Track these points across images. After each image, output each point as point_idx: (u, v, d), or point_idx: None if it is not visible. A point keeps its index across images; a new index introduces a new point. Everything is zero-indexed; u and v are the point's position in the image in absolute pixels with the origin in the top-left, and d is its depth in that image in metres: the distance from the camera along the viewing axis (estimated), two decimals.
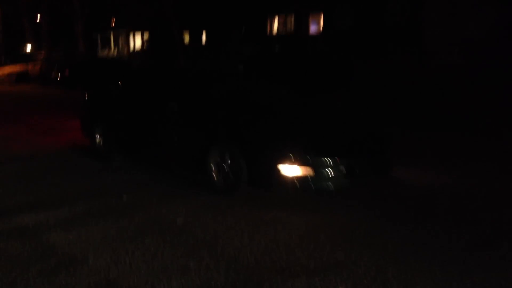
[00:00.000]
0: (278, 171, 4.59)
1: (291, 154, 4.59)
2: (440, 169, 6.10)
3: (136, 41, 38.03)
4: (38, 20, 32.50)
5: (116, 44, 41.00)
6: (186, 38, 32.33)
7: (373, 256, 3.58)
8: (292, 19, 29.14)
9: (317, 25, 27.70)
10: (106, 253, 3.68)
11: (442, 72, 16.43)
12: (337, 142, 5.03)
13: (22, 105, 14.93)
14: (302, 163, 4.59)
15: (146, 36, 36.55)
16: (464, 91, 12.55)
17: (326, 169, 4.64)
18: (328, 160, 4.66)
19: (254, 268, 3.42)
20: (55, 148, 7.79)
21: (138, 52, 37.30)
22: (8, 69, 22.87)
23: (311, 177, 4.60)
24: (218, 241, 3.90)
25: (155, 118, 5.91)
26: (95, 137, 6.91)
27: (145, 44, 36.65)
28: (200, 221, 4.35)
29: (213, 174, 5.09)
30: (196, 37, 34.18)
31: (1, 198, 5.14)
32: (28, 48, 44.91)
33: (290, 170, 4.57)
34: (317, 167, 4.61)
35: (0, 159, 7.02)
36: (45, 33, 31.76)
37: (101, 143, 6.84)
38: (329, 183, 4.65)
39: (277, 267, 3.42)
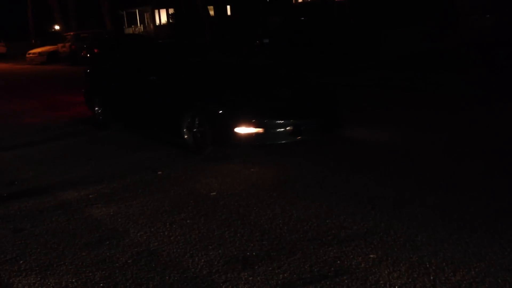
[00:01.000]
0: (235, 132, 5.45)
1: (245, 118, 5.44)
2: None
3: (162, 17, 38.12)
4: (64, 1, 32.81)
5: (141, 20, 41.18)
6: (211, 12, 32.14)
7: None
8: None
9: None
10: (146, 226, 3.86)
11: (475, 36, 15.98)
12: (286, 106, 5.85)
13: (52, 83, 15.30)
14: (254, 125, 5.44)
15: (171, 12, 36.55)
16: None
17: (274, 129, 5.52)
18: (276, 122, 5.52)
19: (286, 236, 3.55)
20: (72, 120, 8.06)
21: (163, 27, 37.39)
22: (39, 49, 23.35)
23: (262, 136, 5.48)
24: (251, 212, 4.03)
25: (141, 89, 6.75)
26: (95, 109, 7.83)
27: (170, 19, 36.70)
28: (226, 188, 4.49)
29: (186, 136, 5.97)
30: (221, 11, 34.00)
31: (42, 176, 5.39)
32: (56, 28, 45.59)
33: (246, 131, 5.45)
34: (267, 128, 5.48)
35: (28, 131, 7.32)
36: (73, 13, 32.08)
37: (100, 113, 7.75)
38: (277, 140, 5.60)
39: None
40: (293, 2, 30.29)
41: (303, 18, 26.27)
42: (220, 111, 5.57)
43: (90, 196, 4.64)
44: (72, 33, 24.21)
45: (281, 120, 5.54)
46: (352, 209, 4.00)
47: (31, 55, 23.24)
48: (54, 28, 47.60)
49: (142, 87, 6.72)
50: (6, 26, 43.77)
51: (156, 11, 38.23)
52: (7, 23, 45.07)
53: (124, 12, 40.71)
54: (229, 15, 35.53)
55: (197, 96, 5.89)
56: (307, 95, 6.38)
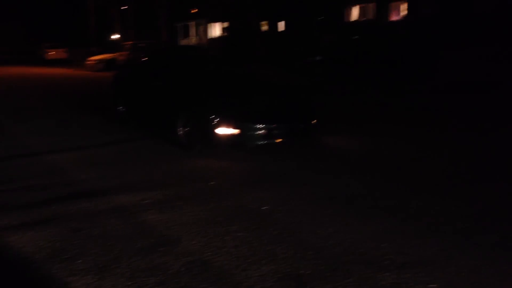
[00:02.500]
0: (216, 133, 6.31)
1: (224, 120, 6.31)
2: None
3: (215, 31, 38.81)
4: (124, 11, 34.06)
5: (196, 33, 42.09)
6: (265, 28, 32.47)
7: None
8: (373, 7, 28.40)
9: (399, 13, 26.82)
10: (198, 236, 3.88)
11: None
12: (263, 111, 6.62)
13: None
14: (232, 127, 6.29)
15: (224, 26, 37.15)
16: None
17: (250, 132, 6.32)
18: (251, 125, 6.32)
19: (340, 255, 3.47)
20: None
21: (216, 40, 38.04)
22: (98, 57, 24.25)
23: (238, 136, 6.29)
24: (303, 229, 3.98)
25: (149, 92, 7.95)
26: (118, 108, 9.04)
27: (223, 33, 37.30)
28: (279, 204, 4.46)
29: (180, 133, 6.90)
30: (274, 27, 34.25)
31: (98, 179, 5.53)
32: (114, 37, 47.30)
33: (224, 131, 6.30)
34: (243, 130, 6.29)
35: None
36: (132, 24, 33.23)
37: (122, 112, 8.95)
38: (252, 142, 6.37)
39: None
40: (345, 21, 30.15)
41: (355, 37, 26.07)
42: (205, 114, 6.46)
43: (145, 201, 4.72)
44: (130, 43, 25.03)
45: (256, 124, 6.35)
46: (410, 233, 3.88)
47: (90, 62, 24.17)
48: (112, 37, 49.46)
49: (150, 90, 7.92)
50: (67, 33, 45.79)
51: (211, 25, 38.97)
52: (69, 30, 47.18)
53: (179, 24, 41.77)
54: (281, 31, 35.75)
55: (190, 100, 6.90)
56: (285, 102, 7.18)
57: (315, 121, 7.07)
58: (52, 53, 35.14)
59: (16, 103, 12.47)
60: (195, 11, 40.25)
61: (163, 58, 8.63)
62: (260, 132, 6.36)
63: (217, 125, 6.31)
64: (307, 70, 21.44)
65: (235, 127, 6.30)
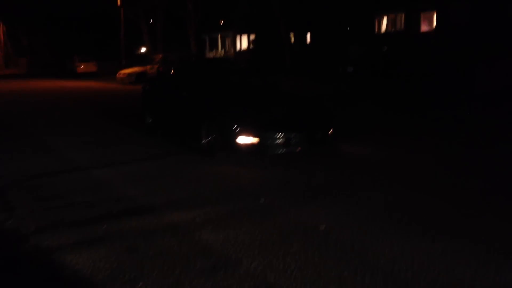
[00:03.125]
0: (237, 142, 6.64)
1: (244, 129, 6.61)
2: None
3: (242, 43, 39.00)
4: (153, 24, 34.52)
5: (223, 45, 42.37)
6: (291, 39, 32.44)
7: None
8: (402, 18, 28.06)
9: (429, 23, 26.43)
10: (258, 257, 3.74)
11: None
12: (281, 121, 6.96)
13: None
14: (251, 135, 6.59)
15: (252, 37, 37.31)
16: None
17: (269, 141, 6.62)
18: (269, 134, 6.62)
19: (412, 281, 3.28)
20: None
21: (243, 52, 38.21)
22: (128, 70, 24.53)
23: (258, 145, 6.61)
24: (367, 251, 3.81)
25: (174, 104, 8.29)
26: (146, 119, 9.48)
27: (251, 44, 37.45)
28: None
29: (203, 141, 7.29)
30: (301, 38, 34.22)
31: (147, 194, 5.46)
32: (143, 50, 47.96)
33: (245, 140, 6.62)
34: (262, 139, 6.60)
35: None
36: (160, 36, 33.62)
37: (149, 123, 9.37)
38: (272, 150, 6.68)
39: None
40: (375, 31, 29.87)
41: (385, 48, 25.83)
42: (226, 123, 6.78)
43: (197, 219, 4.62)
44: (160, 55, 25.27)
45: (274, 133, 6.65)
46: (484, 257, 3.67)
47: (121, 75, 24.44)
48: (140, 50, 50.15)
49: (175, 102, 8.25)
50: (96, 46, 46.64)
51: (238, 37, 39.18)
52: (97, 43, 48.05)
53: (207, 36, 42.14)
54: (308, 43, 35.69)
55: (213, 111, 7.20)
56: (302, 112, 7.48)
57: (332, 130, 7.37)
58: (82, 66, 35.74)
59: (52, 117, 12.61)
60: (221, 23, 40.59)
61: (188, 70, 8.98)
62: (279, 140, 6.68)
63: (238, 134, 6.64)
64: (338, 81, 21.27)
65: (254, 136, 6.61)
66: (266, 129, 6.65)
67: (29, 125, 11.31)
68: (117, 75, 24.76)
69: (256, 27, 35.26)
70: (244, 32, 38.57)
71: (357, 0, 28.23)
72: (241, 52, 38.69)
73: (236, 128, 6.64)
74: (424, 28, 26.73)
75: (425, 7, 26.24)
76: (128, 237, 4.20)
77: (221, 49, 42.37)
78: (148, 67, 24.11)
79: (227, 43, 42.03)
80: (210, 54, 41.57)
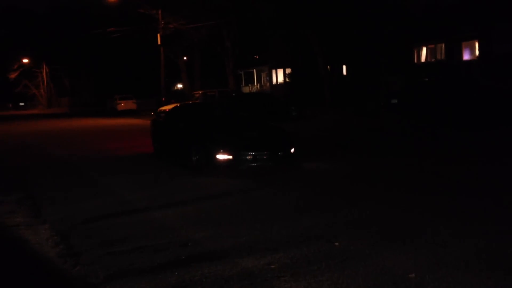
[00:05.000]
0: (217, 158, 8.77)
1: (221, 149, 8.78)
2: None
3: (278, 77, 39.18)
4: (191, 62, 35.14)
5: (258, 80, 42.70)
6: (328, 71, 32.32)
7: None
8: (443, 48, 27.64)
9: (471, 52, 25.90)
10: None
11: None
12: (250, 143, 9.02)
13: None
14: (226, 153, 8.72)
15: (288, 71, 37.46)
16: None
17: (241, 157, 8.73)
18: (240, 152, 8.74)
19: None
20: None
21: (279, 86, 38.34)
22: (169, 107, 24.78)
23: (232, 160, 8.72)
24: None
25: (174, 133, 10.50)
26: (155, 148, 11.78)
27: (286, 78, 37.57)
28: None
29: (192, 160, 9.39)
30: (337, 70, 34.12)
31: (213, 237, 5.21)
32: (179, 86, 48.87)
33: (221, 156, 8.74)
34: (234, 156, 8.71)
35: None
36: (198, 73, 34.13)
37: (156, 148, 11.71)
38: (242, 164, 8.79)
39: None
40: (415, 61, 29.47)
41: (426, 79, 25.35)
42: (209, 145, 8.96)
43: (272, 266, 4.33)
44: (200, 92, 25.52)
45: (244, 151, 8.75)
46: None
47: (162, 113, 24.71)
48: (177, 86, 51.11)
49: (174, 131, 10.50)
50: (134, 84, 47.77)
51: (273, 71, 39.42)
52: (135, 82, 49.21)
53: (242, 71, 42.59)
54: (344, 75, 35.54)
55: (199, 137, 9.38)
56: (268, 136, 9.60)
57: (293, 149, 9.46)
58: (122, 104, 36.55)
59: (98, 154, 12.69)
60: (256, 58, 41.02)
61: (185, 109, 11.85)
62: (248, 157, 8.75)
63: (217, 152, 8.77)
64: (380, 113, 20.87)
65: (229, 154, 8.73)
66: (238, 149, 8.79)
67: (76, 161, 11.38)
68: (158, 112, 25.02)
69: (292, 61, 35.37)
70: (279, 67, 38.79)
71: (394, 32, 27.99)
72: (277, 85, 38.83)
73: (216, 148, 8.81)
74: (466, 57, 26.21)
75: (466, 37, 25.79)
76: (203, 287, 3.94)
77: (257, 83, 42.68)
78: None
79: (262, 77, 42.34)
80: (246, 89, 41.89)
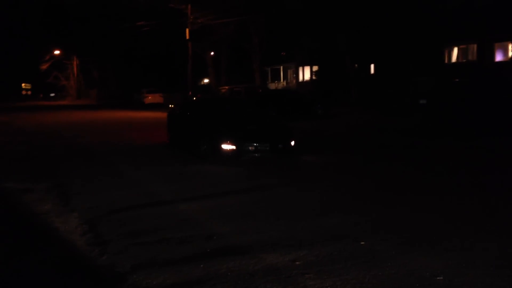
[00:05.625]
0: (222, 148, 9.69)
1: (226, 140, 9.69)
2: None
3: (305, 74, 38.98)
4: (217, 57, 35.25)
5: (284, 77, 42.58)
6: (356, 70, 32.01)
7: None
8: (474, 48, 27.05)
9: (504, 53, 25.29)
10: None
11: None
12: (253, 135, 9.96)
13: None
14: (230, 144, 9.63)
15: (314, 69, 37.23)
16: None
17: (244, 148, 9.68)
18: (245, 143, 9.69)
19: None
20: None
21: (305, 83, 38.14)
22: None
23: (235, 150, 9.64)
24: None
25: (186, 125, 11.39)
26: (169, 138, 12.38)
27: (313, 76, 37.35)
28: None
29: (201, 150, 10.19)
30: (364, 69, 33.75)
31: (238, 232, 5.23)
32: (205, 81, 49.12)
33: (226, 147, 9.66)
34: (237, 146, 9.63)
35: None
36: (224, 68, 34.23)
37: (170, 139, 12.34)
38: (245, 154, 9.71)
39: None
40: (445, 62, 28.92)
41: (457, 80, 24.83)
42: (215, 136, 9.87)
43: (297, 262, 4.32)
44: (226, 87, 25.62)
45: (246, 142, 9.71)
46: None
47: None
48: (203, 81, 51.36)
49: (186, 121, 11.42)
50: (162, 78, 48.19)
51: (300, 68, 39.23)
52: (161, 76, 49.64)
53: (269, 68, 42.53)
54: (372, 73, 35.14)
55: (207, 128, 10.27)
56: (269, 129, 10.54)
57: (293, 142, 10.26)
58: (149, 98, 36.95)
59: (122, 144, 12.85)
60: (283, 54, 40.88)
61: (197, 103, 13.19)
62: (250, 148, 9.72)
63: (222, 143, 9.66)
64: (407, 113, 20.57)
65: (232, 144, 9.66)
66: (241, 140, 9.71)
67: (106, 153, 11.56)
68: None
69: (319, 58, 35.12)
70: (306, 64, 38.56)
71: (424, 31, 27.51)
72: (303, 83, 38.64)
73: (221, 139, 9.70)
74: (498, 58, 25.62)
75: (499, 38, 25.20)
76: (228, 281, 3.96)
77: (283, 80, 42.56)
78: None
79: (289, 74, 42.19)
80: (272, 86, 41.81)
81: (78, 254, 4.76)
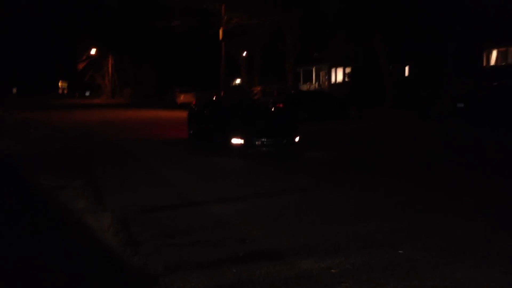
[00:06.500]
0: (231, 142, 10.66)
1: (235, 135, 10.66)
2: None
3: (338, 76, 38.56)
4: (251, 57, 35.14)
5: (317, 78, 42.23)
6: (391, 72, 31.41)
7: None
8: None
9: None
10: None
11: None
12: (260, 130, 10.97)
13: None
14: (239, 138, 10.63)
15: (347, 70, 36.77)
16: None
17: (251, 142, 10.67)
18: (252, 138, 10.70)
19: None
20: None
21: (338, 85, 37.72)
22: None
23: (243, 144, 10.64)
24: None
25: (203, 122, 12.35)
26: (189, 133, 13.41)
27: (346, 77, 36.89)
28: None
29: (215, 143, 11.18)
30: (399, 71, 33.10)
31: (271, 236, 5.11)
32: (237, 81, 49.18)
33: (235, 141, 10.65)
34: (245, 141, 10.63)
35: None
36: (257, 69, 34.15)
37: (190, 134, 13.33)
38: (252, 149, 10.75)
39: None
40: (484, 65, 28.08)
41: (495, 83, 24.01)
42: (226, 131, 10.85)
43: (332, 270, 4.17)
44: (259, 88, 25.54)
45: (254, 137, 10.70)
46: None
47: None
48: (235, 81, 51.44)
49: (203, 120, 12.36)
50: (196, 78, 48.50)
51: (333, 70, 38.82)
52: (194, 75, 49.96)
53: (301, 69, 42.24)
54: (407, 76, 34.42)
55: (220, 125, 11.31)
56: (277, 125, 11.63)
57: (298, 137, 11.21)
58: (182, 97, 37.22)
59: (158, 146, 12.93)
60: (316, 55, 40.52)
61: (213, 102, 13.99)
62: (256, 142, 10.69)
63: (231, 138, 10.65)
64: (446, 116, 20.03)
65: (241, 139, 10.62)
66: (249, 135, 10.68)
67: (137, 152, 11.64)
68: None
69: (352, 60, 34.65)
70: (339, 65, 38.13)
71: (462, 33, 26.75)
72: (336, 84, 38.22)
73: (231, 134, 10.67)
74: None
75: None
76: (262, 286, 3.85)
77: (315, 81, 42.22)
78: None
79: (321, 76, 41.81)
80: (304, 87, 41.52)
81: (111, 254, 4.73)
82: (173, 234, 5.18)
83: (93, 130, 17.51)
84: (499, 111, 16.45)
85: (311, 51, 40.42)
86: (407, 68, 34.54)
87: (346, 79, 36.75)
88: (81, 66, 55.63)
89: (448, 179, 8.21)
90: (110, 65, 57.77)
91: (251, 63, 37.16)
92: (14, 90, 60.21)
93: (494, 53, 27.75)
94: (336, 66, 38.59)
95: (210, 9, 28.36)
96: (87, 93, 65.91)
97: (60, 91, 66.47)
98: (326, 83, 39.97)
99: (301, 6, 29.94)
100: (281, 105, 19.86)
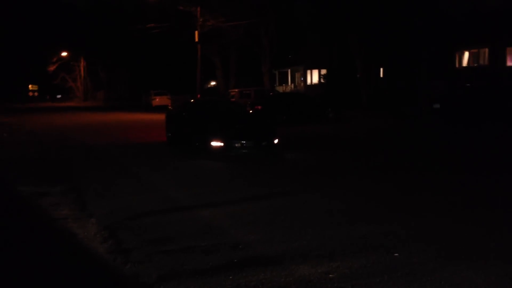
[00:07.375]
0: (211, 144, 10.74)
1: (214, 137, 10.74)
2: None
3: (313, 77, 38.83)
4: (226, 60, 35.06)
5: (292, 80, 42.44)
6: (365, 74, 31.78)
7: None
8: (486, 53, 26.82)
9: None
10: None
11: None
12: (239, 132, 11.03)
13: None
14: (219, 141, 10.69)
15: (323, 72, 37.06)
16: None
17: (231, 145, 10.76)
18: (232, 140, 10.78)
19: None
20: None
21: (313, 86, 37.98)
22: None
23: (223, 147, 10.70)
24: None
25: (181, 124, 12.31)
26: (167, 136, 13.27)
27: (321, 79, 37.17)
28: None
29: (194, 146, 11.33)
30: (374, 73, 33.52)
31: (265, 241, 5.03)
32: (212, 83, 48.97)
33: (215, 144, 10.71)
34: (225, 143, 10.69)
35: None
36: (233, 71, 34.07)
37: (169, 137, 13.17)
38: (231, 151, 10.79)
39: None
40: (456, 66, 28.68)
41: (468, 84, 24.54)
42: (206, 134, 10.92)
43: (330, 275, 4.11)
44: (237, 90, 25.46)
45: (233, 139, 10.77)
46: None
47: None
48: (210, 84, 51.21)
49: (182, 122, 12.26)
50: (170, 81, 48.05)
51: (308, 71, 39.10)
52: (168, 78, 49.49)
53: (277, 71, 42.38)
54: (381, 77, 34.90)
55: (199, 127, 11.29)
56: (254, 127, 11.63)
57: (277, 140, 11.31)
58: (157, 100, 36.82)
59: (129, 145, 12.71)
60: (290, 57, 40.72)
61: (192, 104, 14.21)
62: (236, 145, 10.75)
63: (211, 140, 10.73)
64: (420, 117, 20.35)
65: (220, 141, 10.71)
66: (228, 138, 10.75)
67: (118, 156, 11.41)
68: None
69: (328, 61, 34.94)
70: (315, 67, 38.42)
71: (435, 35, 27.26)
72: (311, 86, 38.48)
73: (211, 136, 10.75)
74: (510, 63, 25.38)
75: (511, 42, 24.97)
76: None
77: (291, 83, 42.42)
78: None
79: (296, 77, 42.06)
80: (280, 89, 41.66)
81: (100, 263, 4.58)
82: (163, 241, 5.04)
83: (69, 133, 17.13)
84: (472, 111, 16.78)
85: (287, 53, 40.62)
86: (381, 70, 35.03)
87: (322, 81, 37.05)
88: (51, 68, 54.53)
89: (433, 179, 8.27)
90: (82, 68, 56.79)
91: (227, 65, 37.05)
92: None
93: (466, 55, 28.38)
94: (312, 68, 38.92)
95: (185, 11, 28.17)
96: (59, 96, 64.65)
97: (31, 94, 64.97)
98: (302, 84, 40.24)
99: (276, 10, 30.03)
100: (259, 107, 19.83)
